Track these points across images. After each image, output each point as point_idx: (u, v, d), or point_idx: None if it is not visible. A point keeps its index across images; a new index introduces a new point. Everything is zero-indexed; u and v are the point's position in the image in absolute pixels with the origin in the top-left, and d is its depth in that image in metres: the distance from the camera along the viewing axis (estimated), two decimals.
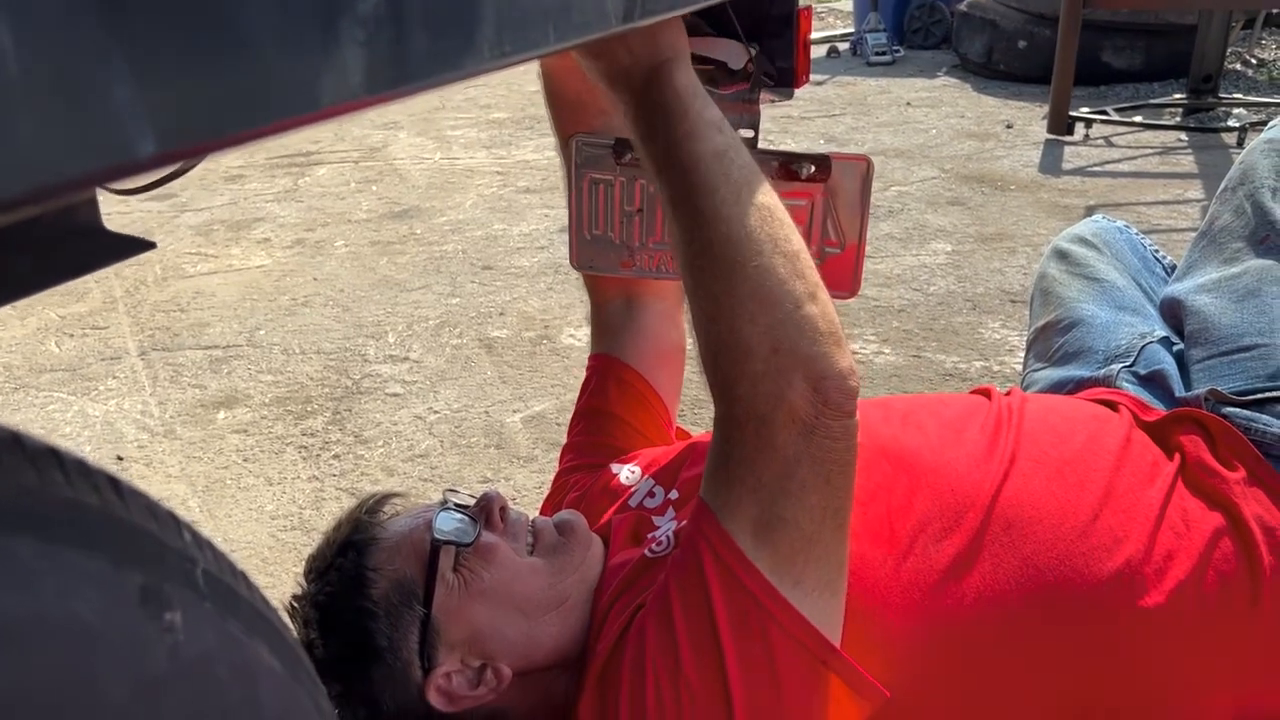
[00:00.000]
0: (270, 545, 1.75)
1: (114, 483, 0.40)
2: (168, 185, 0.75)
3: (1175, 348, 1.23)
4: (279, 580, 1.63)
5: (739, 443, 0.85)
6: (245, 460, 2.04)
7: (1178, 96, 4.67)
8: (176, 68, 0.28)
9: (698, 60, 1.02)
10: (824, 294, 0.86)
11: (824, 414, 0.82)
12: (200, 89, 0.29)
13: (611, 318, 1.37)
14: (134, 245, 0.54)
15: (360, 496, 1.10)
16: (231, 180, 4.25)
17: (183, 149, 0.29)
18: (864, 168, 1.10)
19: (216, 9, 0.29)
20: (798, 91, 1.11)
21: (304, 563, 1.06)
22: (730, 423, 0.86)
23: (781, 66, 1.03)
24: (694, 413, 2.04)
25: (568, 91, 1.23)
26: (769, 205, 0.85)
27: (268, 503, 1.88)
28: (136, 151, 0.27)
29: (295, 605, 1.02)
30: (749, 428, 0.84)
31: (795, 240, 0.86)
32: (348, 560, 1.00)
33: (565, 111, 1.24)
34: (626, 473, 1.21)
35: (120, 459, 2.07)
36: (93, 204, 0.54)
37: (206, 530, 1.78)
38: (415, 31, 0.37)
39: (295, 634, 0.98)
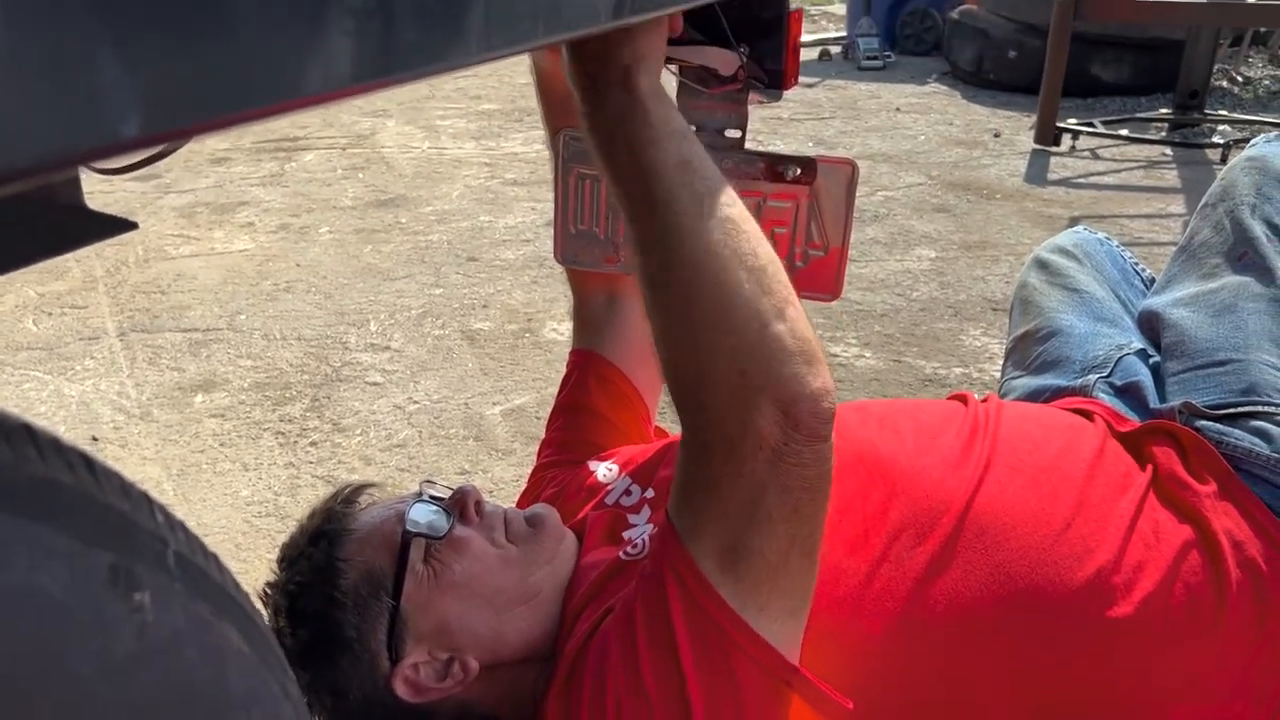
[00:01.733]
0: (244, 531, 1.74)
1: (88, 461, 0.40)
2: (151, 166, 0.75)
3: (1151, 360, 1.24)
4: (252, 566, 1.63)
5: (704, 466, 0.82)
6: (222, 445, 2.03)
7: (1164, 111, 4.70)
8: (163, 49, 0.28)
9: (687, 65, 1.02)
10: (794, 309, 0.80)
11: (794, 439, 0.78)
12: (187, 71, 0.29)
13: (594, 313, 1.37)
14: (116, 225, 0.54)
15: (336, 485, 1.10)
16: (217, 163, 4.22)
17: (167, 131, 0.29)
18: (849, 171, 1.10)
19: None
20: (788, 93, 1.11)
21: (278, 550, 1.06)
22: (694, 445, 0.83)
23: (771, 68, 1.03)
24: (673, 411, 2.04)
25: (558, 87, 1.23)
26: (734, 218, 0.80)
27: (243, 488, 1.87)
28: (121, 132, 0.27)
29: (268, 592, 1.02)
30: (714, 452, 0.81)
31: (763, 253, 0.80)
32: (319, 550, 1.00)
33: (555, 107, 1.24)
34: (604, 470, 1.22)
35: (95, 440, 2.05)
36: (74, 182, 0.53)
37: (180, 514, 1.77)
38: (403, 21, 0.37)
39: (267, 620, 0.98)
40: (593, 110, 0.81)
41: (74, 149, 0.26)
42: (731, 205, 0.81)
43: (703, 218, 0.79)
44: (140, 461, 1.97)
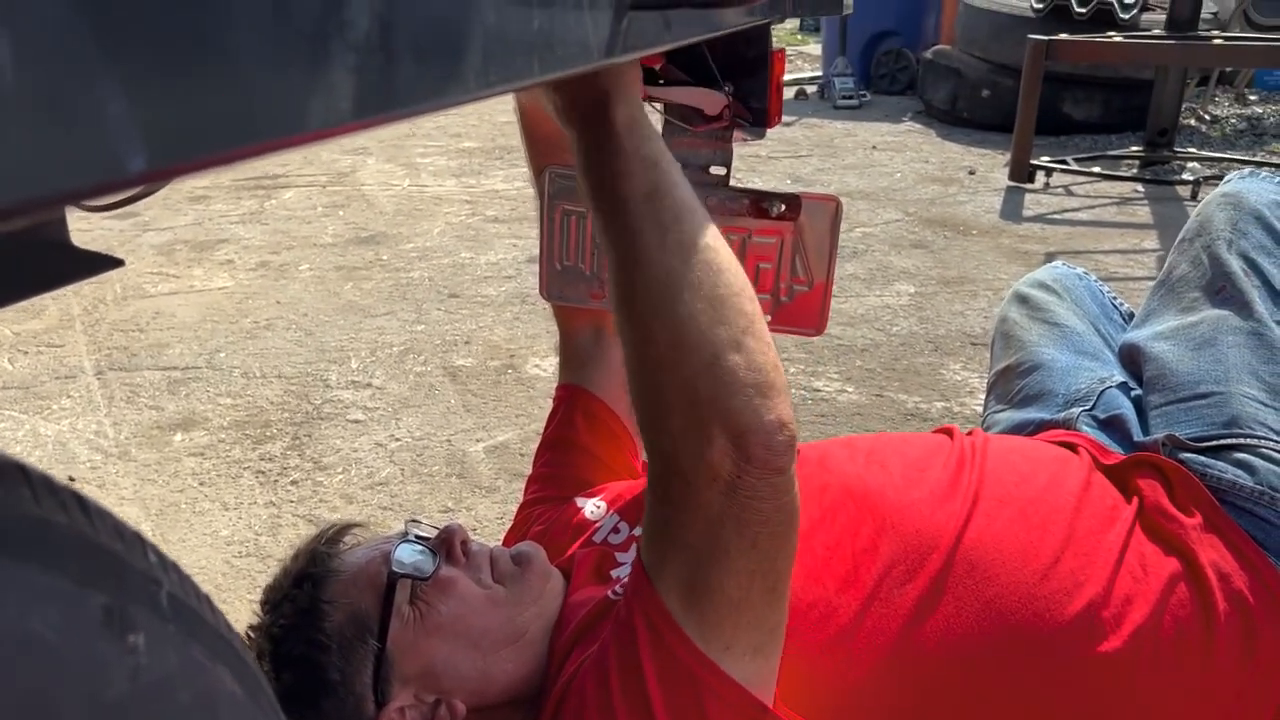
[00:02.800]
0: (224, 572, 1.72)
1: (81, 502, 0.39)
2: (130, 204, 0.74)
3: (1133, 393, 1.25)
4: (232, 608, 1.60)
5: (663, 499, 0.82)
6: (201, 484, 2.00)
7: (1135, 149, 4.78)
8: (168, 86, 0.28)
9: (674, 105, 1.03)
10: (755, 340, 0.79)
11: (748, 472, 0.77)
12: (192, 107, 0.29)
13: (580, 349, 1.37)
14: (101, 262, 0.53)
15: (319, 525, 1.09)
16: (196, 200, 4.21)
17: (172, 166, 0.29)
18: (833, 208, 1.11)
19: (210, 29, 0.29)
20: (767, 132, 1.12)
21: (261, 592, 1.05)
22: (654, 477, 0.83)
23: (755, 107, 1.04)
24: None
25: (542, 126, 1.24)
26: (696, 246, 0.79)
27: (223, 528, 1.85)
28: (127, 168, 0.27)
29: (251, 635, 1.01)
30: (672, 485, 0.80)
31: (726, 284, 0.79)
32: (303, 592, 0.99)
33: (540, 145, 1.25)
34: (591, 507, 1.21)
35: (72, 480, 2.03)
36: (61, 220, 0.53)
37: None
38: (404, 58, 0.37)
39: None
40: (576, 142, 0.82)
41: (82, 184, 0.26)
42: (697, 234, 0.79)
43: (664, 249, 0.78)
44: (118, 501, 1.94)
